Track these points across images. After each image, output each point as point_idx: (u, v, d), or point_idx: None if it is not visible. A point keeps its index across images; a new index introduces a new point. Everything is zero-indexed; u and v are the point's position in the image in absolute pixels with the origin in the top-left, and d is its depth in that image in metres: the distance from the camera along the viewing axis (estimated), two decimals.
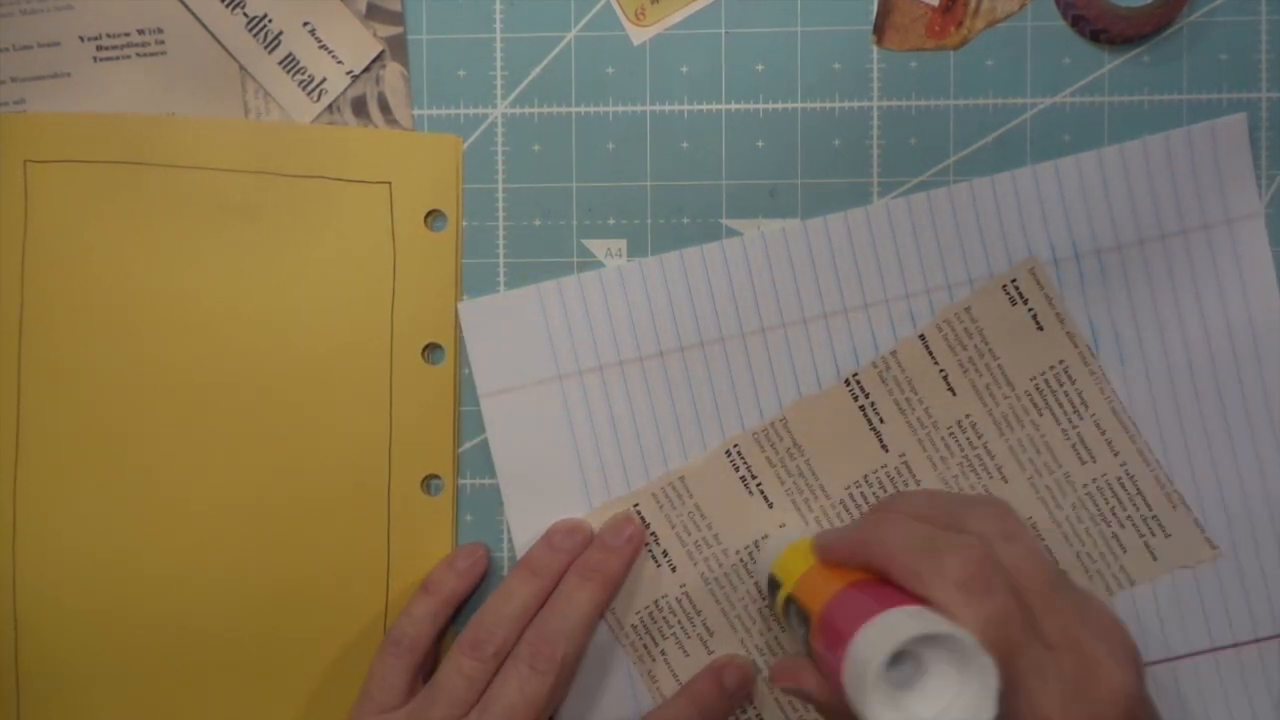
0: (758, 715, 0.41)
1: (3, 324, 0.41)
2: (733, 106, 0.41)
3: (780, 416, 0.41)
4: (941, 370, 0.40)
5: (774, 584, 0.38)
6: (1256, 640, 0.41)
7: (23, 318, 0.41)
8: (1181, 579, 0.41)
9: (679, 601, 0.41)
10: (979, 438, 0.40)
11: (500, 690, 0.37)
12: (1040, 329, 0.40)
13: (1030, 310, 0.40)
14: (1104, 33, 0.40)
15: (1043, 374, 0.40)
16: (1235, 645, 0.41)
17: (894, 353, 0.40)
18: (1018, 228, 0.40)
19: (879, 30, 0.41)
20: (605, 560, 0.40)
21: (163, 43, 0.41)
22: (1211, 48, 0.40)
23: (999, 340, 0.40)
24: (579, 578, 0.39)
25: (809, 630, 0.34)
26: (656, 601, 0.41)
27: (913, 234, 0.40)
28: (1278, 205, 0.41)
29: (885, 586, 0.33)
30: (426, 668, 0.40)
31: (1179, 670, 0.41)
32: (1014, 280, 0.40)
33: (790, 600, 0.36)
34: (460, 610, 0.41)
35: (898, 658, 0.30)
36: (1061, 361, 0.40)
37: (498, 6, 0.41)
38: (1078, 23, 0.40)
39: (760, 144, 0.41)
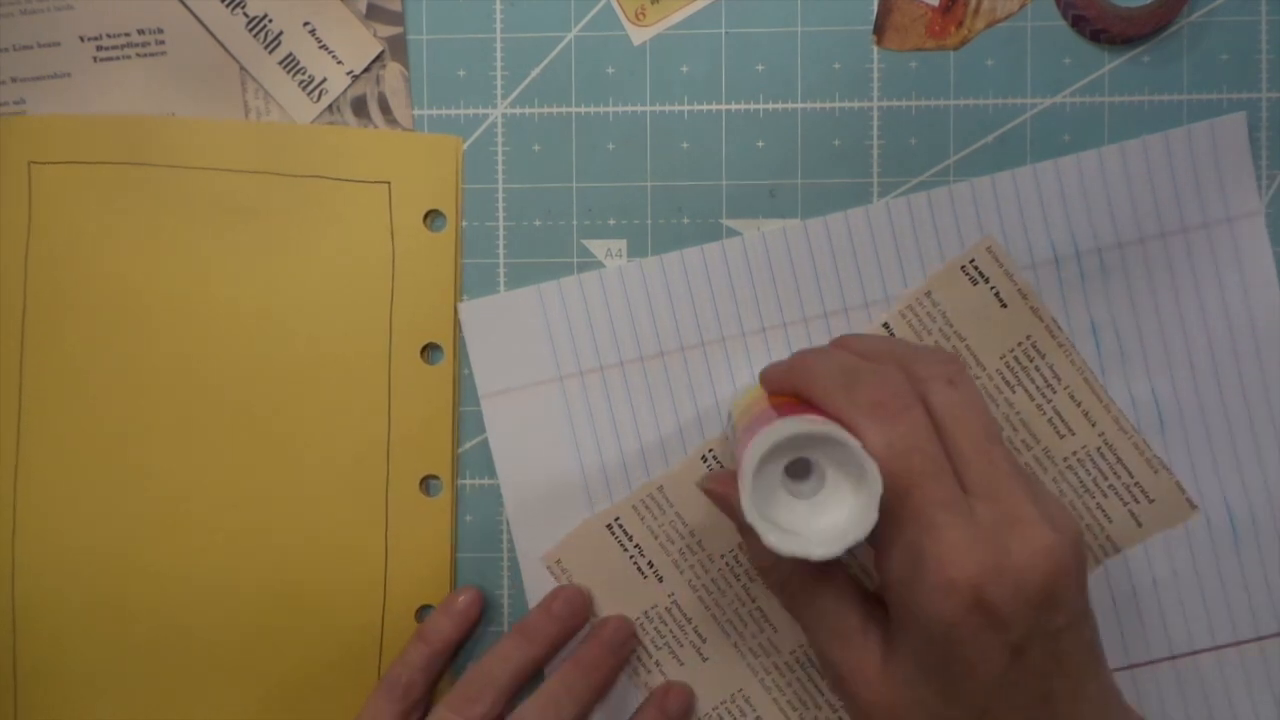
0: (743, 696, 0.41)
1: (6, 324, 0.41)
2: (733, 106, 0.41)
3: None
4: None
5: (730, 419, 0.38)
6: (1259, 638, 0.41)
7: (25, 318, 0.41)
8: (1184, 576, 0.41)
9: (669, 611, 0.41)
10: None
11: None
12: (1004, 306, 0.40)
13: (992, 289, 0.40)
14: (1104, 33, 0.40)
15: (1011, 351, 0.40)
16: (1238, 643, 0.41)
17: None
18: (1018, 226, 0.40)
19: (879, 30, 0.41)
20: (604, 660, 0.40)
21: (163, 43, 0.41)
22: (1211, 48, 0.40)
23: (963, 321, 0.40)
24: (581, 672, 0.39)
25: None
26: (646, 613, 0.41)
27: (913, 233, 0.40)
28: (1278, 204, 0.41)
29: (806, 406, 0.32)
30: (418, 714, 0.40)
31: (1181, 668, 0.41)
32: (972, 260, 0.40)
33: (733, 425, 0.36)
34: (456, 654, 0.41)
35: (800, 470, 0.31)
36: (1029, 337, 0.40)
37: (498, 6, 0.41)
38: (1078, 23, 0.40)
39: (760, 144, 0.41)
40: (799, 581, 0.34)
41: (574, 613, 0.40)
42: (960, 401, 0.32)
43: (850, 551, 0.30)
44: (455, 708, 0.38)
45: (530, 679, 0.40)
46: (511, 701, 0.39)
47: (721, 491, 0.35)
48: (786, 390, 0.34)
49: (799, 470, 0.31)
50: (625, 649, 0.40)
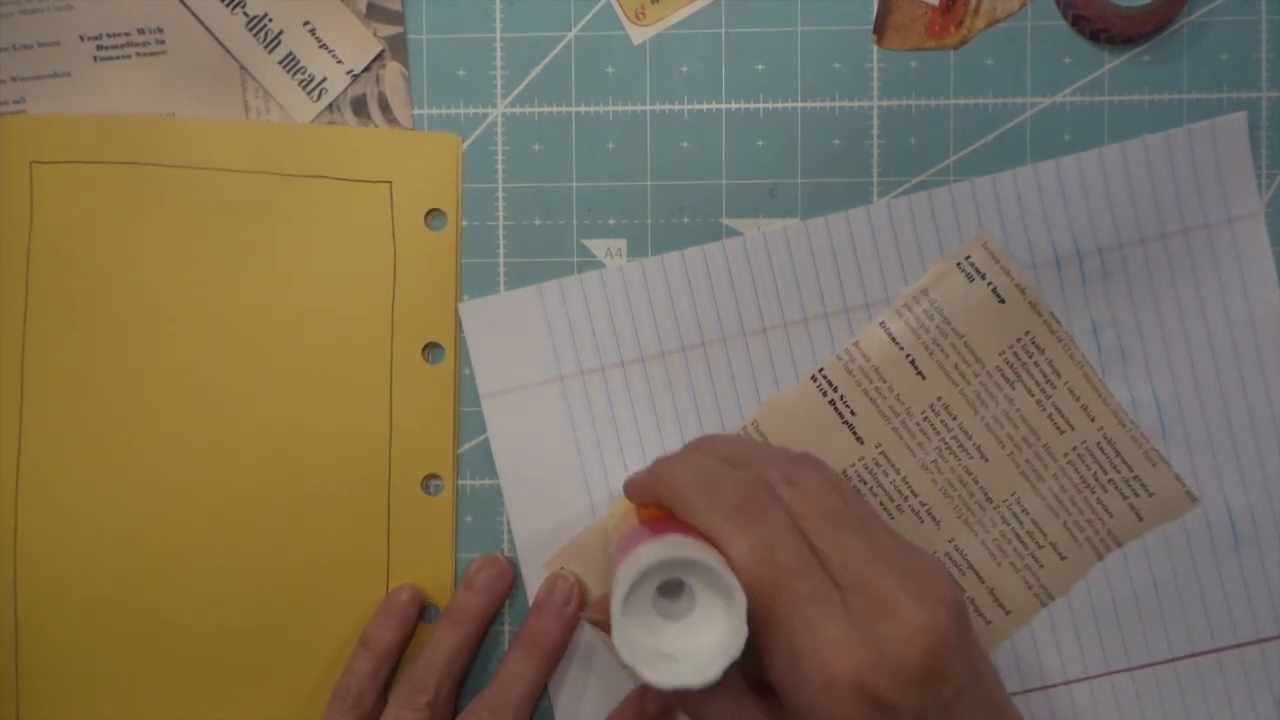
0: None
1: (7, 323, 0.41)
2: (733, 106, 0.41)
3: (752, 419, 0.40)
4: (908, 355, 0.40)
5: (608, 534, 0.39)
6: (1259, 640, 0.41)
7: (27, 317, 0.41)
8: (1184, 577, 0.41)
9: None
10: (954, 419, 0.40)
11: None
12: (1002, 301, 0.40)
13: (989, 285, 0.40)
14: (1104, 32, 0.40)
15: (1010, 347, 0.40)
16: (1238, 645, 0.41)
17: (856, 343, 0.40)
18: (1018, 226, 0.40)
19: (879, 30, 0.41)
20: (548, 629, 0.40)
21: (163, 43, 0.41)
22: (1211, 48, 0.40)
23: (961, 318, 0.40)
24: (523, 650, 0.39)
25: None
26: None
27: (913, 233, 0.40)
28: (1278, 204, 0.41)
29: (670, 520, 0.33)
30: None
31: (1181, 670, 0.41)
32: (968, 257, 0.40)
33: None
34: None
35: (671, 591, 0.31)
36: (1028, 333, 0.40)
37: (498, 6, 0.41)
38: (1078, 22, 0.40)
39: (760, 144, 0.41)
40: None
41: (497, 580, 0.40)
42: (800, 498, 0.33)
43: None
44: (404, 702, 0.38)
45: (469, 657, 0.40)
46: (458, 682, 0.40)
47: (605, 621, 0.33)
48: (650, 502, 0.35)
49: (672, 588, 0.31)
50: (570, 609, 0.40)
